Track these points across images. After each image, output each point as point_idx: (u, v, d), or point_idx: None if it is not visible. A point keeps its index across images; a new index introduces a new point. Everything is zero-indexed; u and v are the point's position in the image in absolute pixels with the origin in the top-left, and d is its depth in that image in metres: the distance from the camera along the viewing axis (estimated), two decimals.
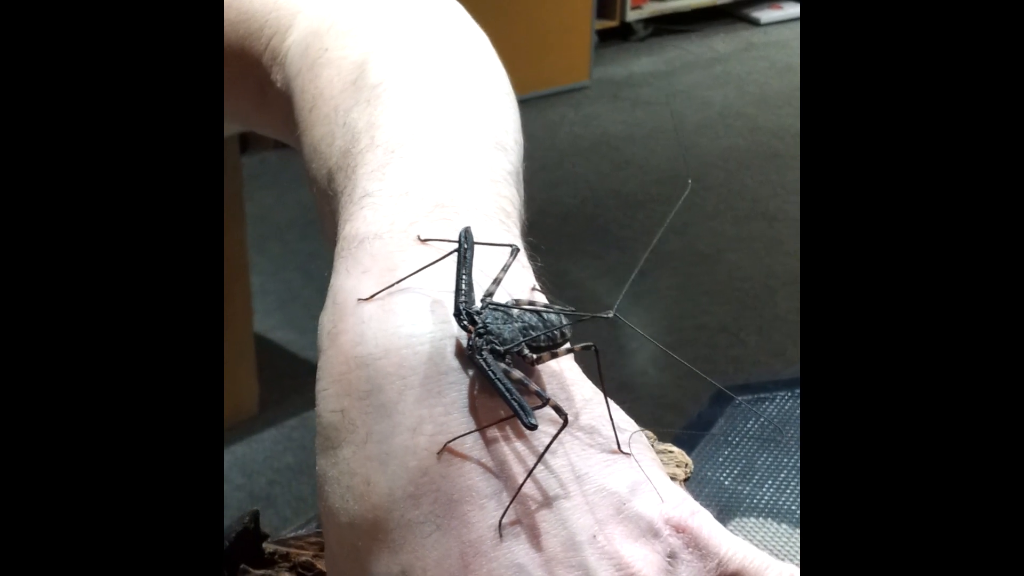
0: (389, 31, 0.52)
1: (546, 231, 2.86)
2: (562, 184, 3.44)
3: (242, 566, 0.48)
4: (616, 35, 4.70)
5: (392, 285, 0.40)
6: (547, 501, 0.38)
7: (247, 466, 2.25)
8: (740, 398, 1.04)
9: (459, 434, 0.38)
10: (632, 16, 4.71)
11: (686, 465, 0.53)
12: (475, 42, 0.55)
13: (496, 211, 0.44)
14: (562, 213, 3.28)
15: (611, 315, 0.42)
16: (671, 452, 0.52)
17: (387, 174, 0.44)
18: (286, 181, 3.45)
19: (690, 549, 0.40)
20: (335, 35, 0.52)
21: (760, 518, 0.91)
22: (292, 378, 2.47)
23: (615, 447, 0.41)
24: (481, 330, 0.39)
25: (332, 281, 0.42)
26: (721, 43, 4.73)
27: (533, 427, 0.38)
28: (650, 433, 0.48)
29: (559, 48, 4.20)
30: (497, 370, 0.38)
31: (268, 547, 0.51)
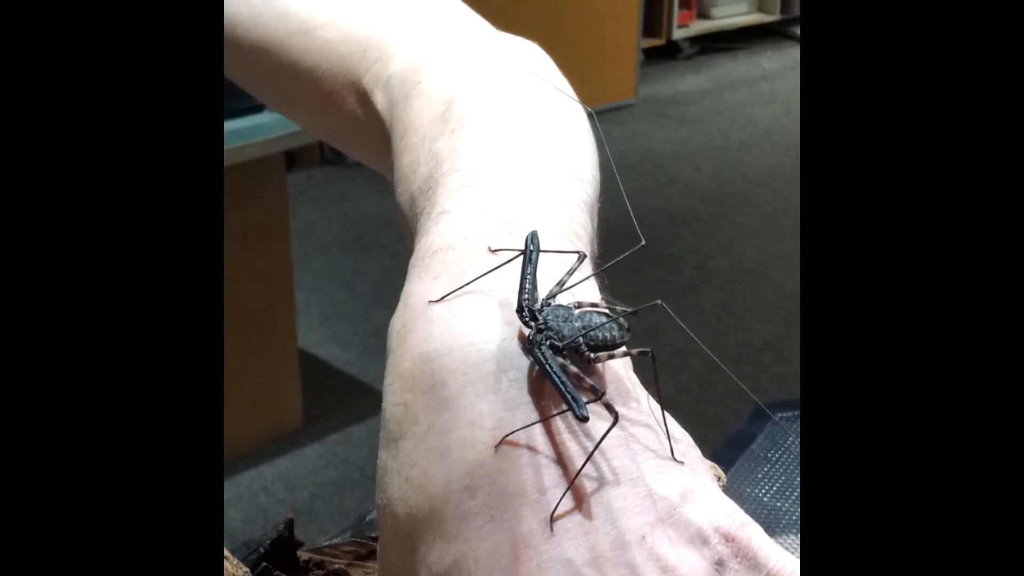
0: (478, 70, 0.55)
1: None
2: (606, 200, 3.44)
3: (276, 573, 0.49)
4: (662, 53, 4.71)
5: (460, 288, 0.41)
6: (599, 499, 0.39)
7: (290, 480, 2.27)
8: (779, 415, 1.04)
9: (516, 428, 0.39)
10: (678, 34, 4.71)
11: (720, 479, 0.53)
12: (556, 83, 0.58)
13: (567, 232, 0.46)
14: (605, 229, 3.27)
15: (658, 303, 0.45)
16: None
17: (464, 195, 0.46)
18: (331, 198, 3.47)
19: (739, 559, 0.40)
20: (429, 70, 0.55)
21: (796, 535, 0.90)
22: (335, 393, 2.49)
23: (669, 454, 0.41)
24: (542, 326, 0.40)
25: (405, 287, 0.43)
26: (767, 61, 4.72)
27: (585, 419, 0.39)
28: (687, 435, 0.49)
29: (605, 66, 4.20)
30: (554, 364, 0.39)
31: (303, 555, 0.51)
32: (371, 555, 0.52)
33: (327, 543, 0.52)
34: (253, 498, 2.21)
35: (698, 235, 3.30)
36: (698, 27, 4.78)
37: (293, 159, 3.49)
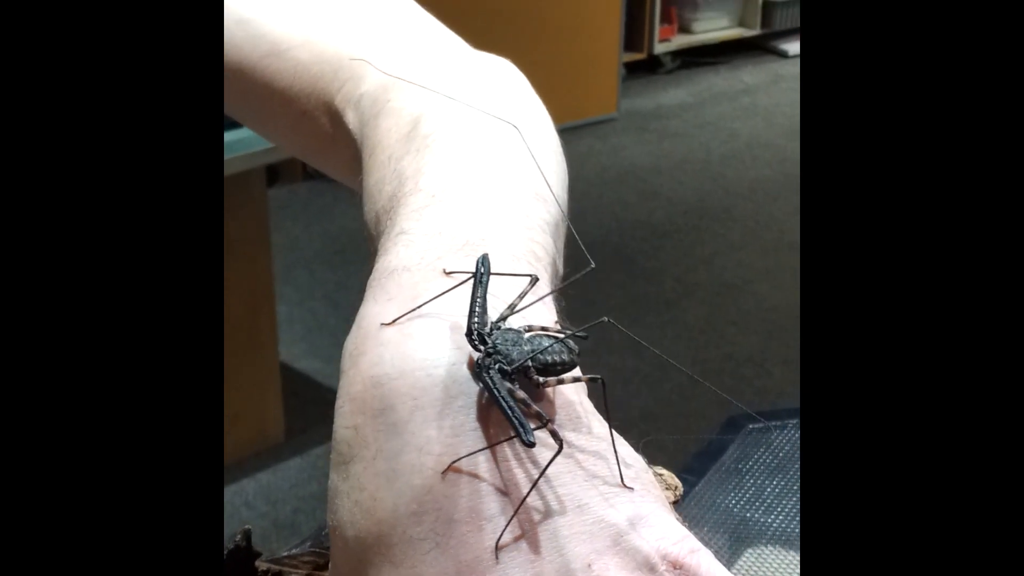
0: (447, 90, 0.55)
1: (573, 262, 2.86)
2: (589, 215, 3.45)
3: None
4: (644, 67, 4.72)
5: (412, 311, 0.42)
6: (545, 527, 0.39)
7: (272, 494, 2.27)
8: (752, 425, 1.04)
9: (463, 455, 0.39)
10: (660, 49, 4.73)
11: (676, 488, 0.53)
12: (528, 105, 0.58)
13: (526, 253, 0.46)
14: (588, 244, 3.28)
15: (605, 320, 0.44)
16: (661, 475, 0.53)
17: (424, 215, 0.46)
18: (313, 212, 3.47)
19: None
20: (398, 89, 0.56)
21: (770, 546, 0.91)
22: (317, 407, 2.48)
23: (619, 480, 0.41)
24: (491, 350, 0.40)
25: (360, 308, 0.43)
26: (749, 75, 4.74)
27: (531, 444, 0.39)
28: (640, 459, 0.49)
29: (587, 80, 4.22)
30: (502, 388, 0.39)
31: (261, 565, 0.51)
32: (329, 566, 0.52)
33: (286, 554, 0.52)
34: (235, 512, 2.21)
35: (680, 248, 3.31)
36: (680, 41, 4.80)
37: (276, 173, 3.49)
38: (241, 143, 2.00)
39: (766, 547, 0.90)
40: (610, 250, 3.27)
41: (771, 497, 0.92)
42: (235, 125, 2.01)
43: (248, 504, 2.24)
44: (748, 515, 0.93)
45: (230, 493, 2.26)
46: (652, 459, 0.47)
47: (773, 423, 1.03)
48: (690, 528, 0.42)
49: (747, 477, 0.97)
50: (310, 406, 2.49)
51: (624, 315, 2.84)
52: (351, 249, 3.19)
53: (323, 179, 3.63)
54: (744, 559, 0.90)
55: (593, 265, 0.47)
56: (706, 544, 0.41)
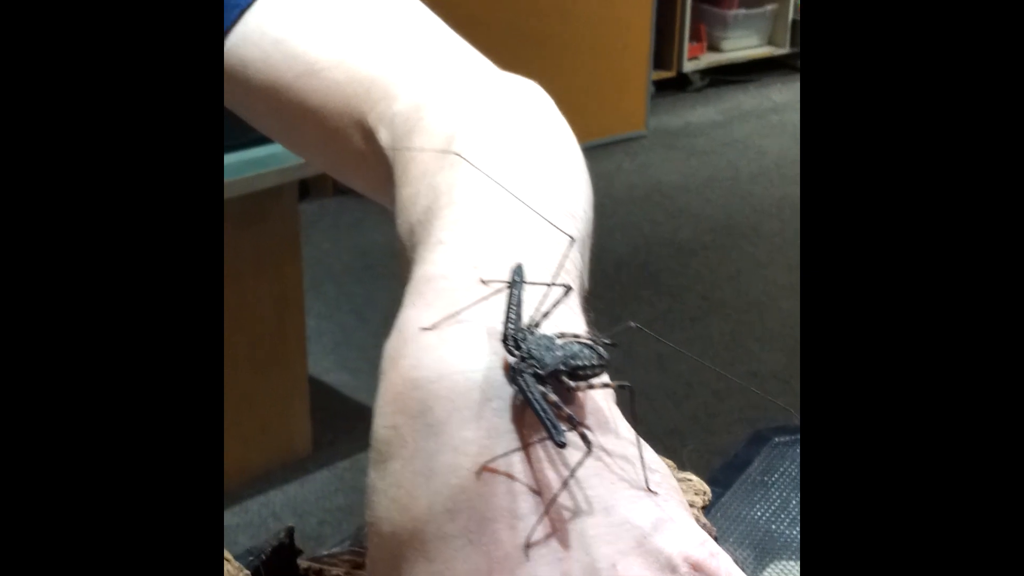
0: (478, 111, 0.57)
1: (600, 277, 2.88)
2: (616, 232, 3.46)
3: None
4: (673, 85, 4.73)
5: (450, 316, 0.43)
6: (573, 527, 0.40)
7: (299, 506, 2.28)
8: (778, 439, 1.05)
9: (497, 456, 0.40)
10: (689, 67, 4.73)
11: (704, 493, 0.54)
12: (554, 125, 0.59)
13: (556, 265, 0.47)
14: (615, 260, 3.29)
15: (631, 324, 0.47)
16: (690, 480, 0.54)
17: (460, 226, 0.48)
18: (343, 227, 3.50)
19: None
20: (430, 109, 0.57)
21: (795, 559, 0.91)
22: (345, 420, 2.50)
23: (644, 484, 0.43)
24: (525, 355, 0.42)
25: (399, 313, 0.45)
26: (777, 93, 4.74)
27: (563, 445, 0.40)
28: (670, 462, 0.50)
29: (616, 98, 4.23)
30: (535, 391, 0.41)
31: (302, 563, 0.53)
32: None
33: (326, 552, 0.54)
34: (262, 523, 2.22)
35: (706, 265, 3.32)
36: (708, 60, 4.80)
37: (306, 188, 3.51)
38: (274, 158, 2.02)
39: (791, 560, 0.91)
40: (636, 267, 3.28)
41: (797, 510, 0.93)
42: (268, 141, 2.03)
43: (275, 515, 2.25)
44: (774, 528, 0.94)
45: (257, 504, 2.27)
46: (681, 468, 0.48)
47: (798, 436, 1.04)
48: (716, 539, 0.43)
49: (773, 490, 0.98)
50: (337, 419, 2.50)
51: (649, 331, 2.83)
52: (380, 264, 3.21)
53: (353, 194, 3.63)
54: (769, 571, 0.91)
55: (573, 238, 0.48)
56: (732, 556, 0.42)
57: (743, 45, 4.86)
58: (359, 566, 0.53)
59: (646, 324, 2.90)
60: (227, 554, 0.46)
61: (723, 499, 0.97)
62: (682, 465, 0.48)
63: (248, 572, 0.47)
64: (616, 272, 3.21)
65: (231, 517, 2.21)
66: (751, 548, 0.95)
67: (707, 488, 0.53)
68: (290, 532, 0.53)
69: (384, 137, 0.59)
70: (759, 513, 0.95)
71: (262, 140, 1.98)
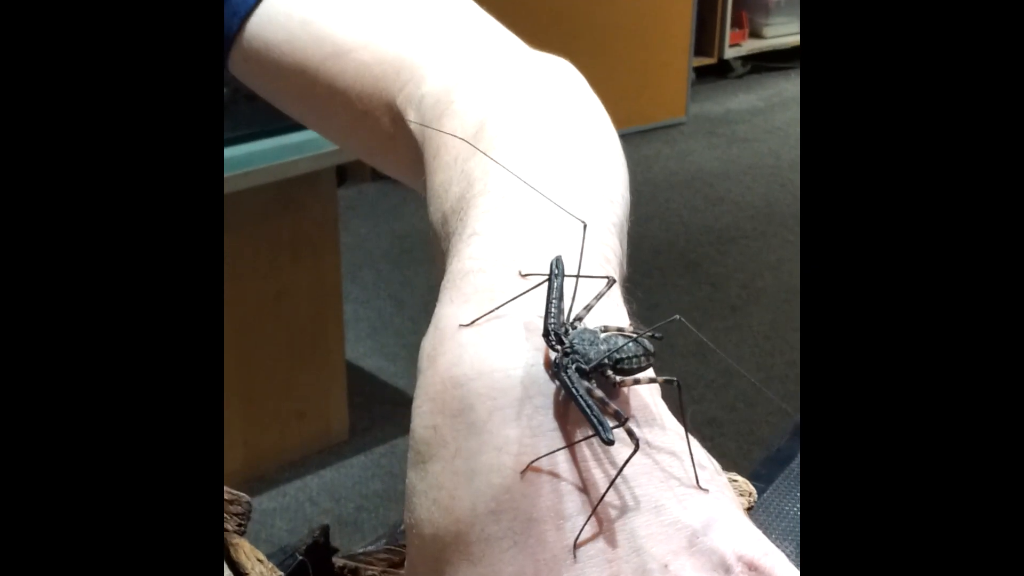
0: (510, 93, 0.56)
1: (639, 265, 2.87)
2: (655, 219, 3.44)
3: None
4: (714, 72, 4.70)
5: (490, 312, 0.42)
6: (622, 527, 0.39)
7: (335, 491, 2.29)
8: None
9: (543, 454, 0.39)
10: (730, 53, 4.71)
11: (750, 494, 0.53)
12: (589, 106, 0.58)
13: (597, 255, 0.46)
14: (653, 247, 3.28)
15: (677, 318, 0.45)
16: (735, 481, 0.53)
17: (495, 216, 0.46)
18: (381, 212, 3.50)
19: None
20: (462, 91, 0.56)
21: None
22: (382, 405, 2.50)
23: (694, 482, 0.41)
24: (568, 350, 0.41)
25: (436, 309, 0.44)
26: None
27: (610, 442, 0.39)
28: (713, 461, 0.49)
29: (656, 84, 4.21)
30: (580, 387, 0.40)
31: (338, 561, 0.52)
32: (404, 563, 0.53)
33: (362, 551, 0.53)
34: (299, 508, 2.23)
35: (746, 254, 3.29)
36: (750, 46, 4.77)
37: (344, 174, 3.52)
38: (311, 143, 2.02)
39: None
40: (676, 254, 3.26)
41: None
42: (303, 126, 2.03)
43: (312, 500, 2.26)
44: None
45: (294, 489, 2.28)
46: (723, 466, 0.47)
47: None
48: None
49: None
50: (375, 404, 2.51)
51: (689, 320, 2.80)
52: (418, 249, 3.22)
53: (391, 180, 3.64)
54: None
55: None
56: None
57: (785, 31, 4.82)
58: (395, 565, 0.53)
59: (685, 313, 2.88)
60: (260, 554, 0.45)
61: (765, 495, 0.95)
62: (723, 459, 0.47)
63: (282, 574, 0.46)
64: (654, 259, 3.20)
65: (268, 501, 2.22)
66: (793, 543, 0.94)
67: (752, 489, 0.52)
68: (325, 531, 0.52)
69: (413, 119, 0.58)
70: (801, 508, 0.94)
71: (297, 126, 1.97)
